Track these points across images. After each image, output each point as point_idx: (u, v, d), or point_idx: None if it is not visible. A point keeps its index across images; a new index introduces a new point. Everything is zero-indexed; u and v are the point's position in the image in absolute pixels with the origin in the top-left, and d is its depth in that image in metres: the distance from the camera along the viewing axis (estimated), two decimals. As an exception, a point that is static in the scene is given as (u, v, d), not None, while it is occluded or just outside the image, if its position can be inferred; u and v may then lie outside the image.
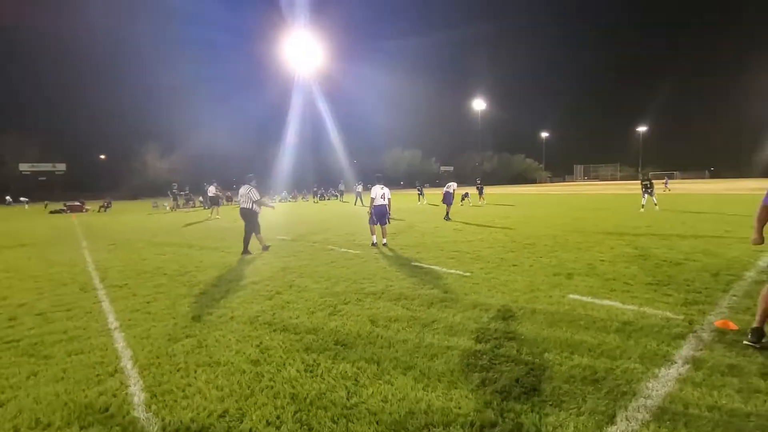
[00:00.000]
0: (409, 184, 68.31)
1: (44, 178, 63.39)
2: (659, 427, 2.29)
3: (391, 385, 2.84)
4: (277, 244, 9.55)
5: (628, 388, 2.69)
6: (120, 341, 3.83)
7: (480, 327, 3.85)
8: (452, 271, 6.27)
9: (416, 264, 6.88)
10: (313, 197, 38.75)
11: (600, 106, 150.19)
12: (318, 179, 48.65)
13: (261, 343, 3.66)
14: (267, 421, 2.47)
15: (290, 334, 3.86)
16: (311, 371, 3.08)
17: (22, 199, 40.96)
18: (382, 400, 2.65)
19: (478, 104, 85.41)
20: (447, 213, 14.67)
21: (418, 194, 27.41)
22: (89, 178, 62.36)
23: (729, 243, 7.82)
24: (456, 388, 2.77)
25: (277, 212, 22.57)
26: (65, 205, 29.54)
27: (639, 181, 17.78)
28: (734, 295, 4.60)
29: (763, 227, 3.46)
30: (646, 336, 3.52)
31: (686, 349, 3.24)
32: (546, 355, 3.22)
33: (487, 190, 25.81)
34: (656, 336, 3.52)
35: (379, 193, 8.88)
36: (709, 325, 3.74)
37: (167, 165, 63.80)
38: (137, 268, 7.30)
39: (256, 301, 4.99)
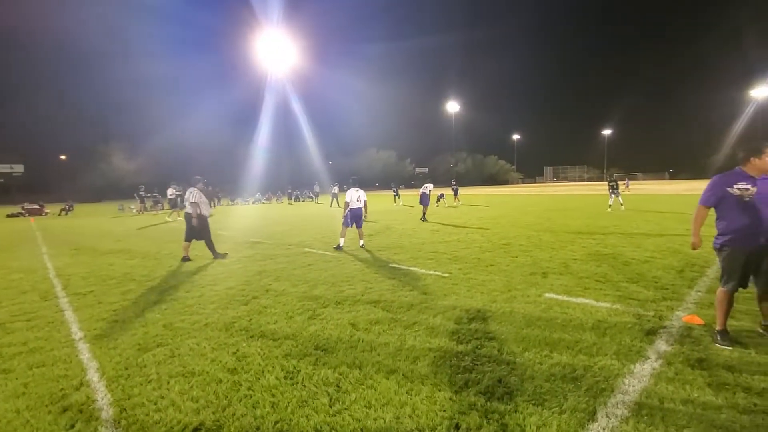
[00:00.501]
0: (385, 185, 68.31)
1: (1, 180, 59.68)
2: (638, 422, 2.36)
3: (375, 390, 2.80)
4: (252, 248, 9.32)
5: (606, 385, 2.75)
6: (85, 352, 3.61)
7: (461, 328, 3.86)
8: (431, 272, 6.29)
9: (395, 265, 6.86)
10: (288, 199, 38.17)
11: (568, 110, 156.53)
12: (292, 180, 47.92)
13: (238, 350, 3.54)
14: (246, 432, 2.37)
15: (268, 340, 3.75)
16: (291, 378, 3.00)
17: (-25, 202, 38.45)
18: (365, 406, 2.60)
19: (452, 106, 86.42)
20: (423, 214, 14.74)
21: (394, 195, 27.50)
22: (49, 179, 59.06)
23: (690, 241, 8.18)
24: (440, 390, 2.75)
25: (252, 214, 22.11)
26: (23, 208, 27.78)
27: (606, 182, 18.51)
28: (699, 291, 4.84)
29: (700, 228, 3.63)
30: (620, 332, 3.63)
31: (658, 344, 3.36)
32: (526, 354, 3.26)
33: (462, 191, 26.18)
34: (629, 332, 3.63)
35: (355, 196, 8.77)
36: (678, 320, 3.90)
37: (134, 166, 61.15)
38: (103, 274, 6.95)
39: (231, 307, 4.83)
